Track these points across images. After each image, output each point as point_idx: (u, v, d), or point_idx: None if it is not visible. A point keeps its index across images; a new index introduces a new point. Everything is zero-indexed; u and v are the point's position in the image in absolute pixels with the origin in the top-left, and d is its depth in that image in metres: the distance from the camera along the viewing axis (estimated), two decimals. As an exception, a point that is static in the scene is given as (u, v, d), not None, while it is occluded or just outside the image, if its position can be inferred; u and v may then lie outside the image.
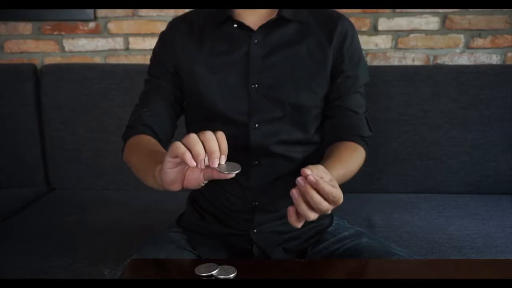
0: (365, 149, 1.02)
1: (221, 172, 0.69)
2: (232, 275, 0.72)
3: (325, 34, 0.98)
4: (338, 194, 0.73)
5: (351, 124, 1.01)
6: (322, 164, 0.79)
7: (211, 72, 0.97)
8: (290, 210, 0.74)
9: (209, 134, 0.67)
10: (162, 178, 0.72)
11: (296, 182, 0.72)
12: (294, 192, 0.72)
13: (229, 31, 0.98)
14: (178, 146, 0.67)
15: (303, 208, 0.72)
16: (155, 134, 0.97)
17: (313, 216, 0.73)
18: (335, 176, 0.79)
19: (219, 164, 0.68)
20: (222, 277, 0.71)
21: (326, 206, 0.72)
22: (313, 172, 0.72)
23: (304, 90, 0.97)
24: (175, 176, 0.72)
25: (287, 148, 0.97)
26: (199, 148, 0.66)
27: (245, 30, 0.97)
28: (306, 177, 0.71)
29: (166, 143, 0.99)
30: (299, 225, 0.75)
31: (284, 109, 0.96)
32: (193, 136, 0.67)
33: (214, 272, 0.72)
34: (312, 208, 0.72)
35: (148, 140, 0.94)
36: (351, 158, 0.96)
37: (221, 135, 0.69)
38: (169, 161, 0.69)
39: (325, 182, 0.71)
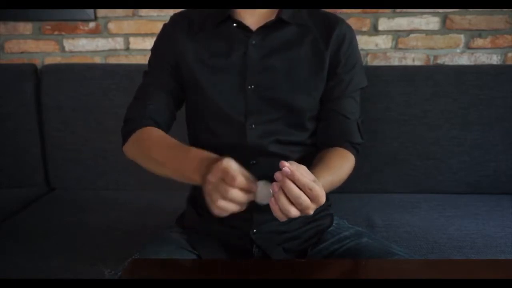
0: (355, 156, 1.01)
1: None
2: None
3: (323, 37, 0.98)
4: (315, 187, 0.73)
5: (342, 129, 1.01)
6: (311, 171, 0.79)
7: (209, 71, 0.97)
8: (272, 202, 0.74)
9: (232, 195, 0.72)
10: None
11: (275, 176, 0.73)
12: (274, 185, 0.73)
13: (228, 31, 0.98)
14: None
15: (283, 202, 0.72)
16: (159, 126, 0.99)
17: (294, 212, 0.73)
18: (322, 182, 0.78)
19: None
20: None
21: (306, 201, 0.72)
22: (294, 167, 0.72)
23: (300, 93, 0.97)
24: None
25: (284, 148, 0.97)
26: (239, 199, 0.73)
27: (244, 30, 0.97)
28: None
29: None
30: (283, 218, 0.75)
31: (280, 110, 0.96)
32: (224, 204, 0.73)
33: None
34: (292, 202, 0.73)
35: (160, 134, 0.97)
36: (340, 166, 0.96)
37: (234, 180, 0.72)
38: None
39: (301, 174, 0.72)
